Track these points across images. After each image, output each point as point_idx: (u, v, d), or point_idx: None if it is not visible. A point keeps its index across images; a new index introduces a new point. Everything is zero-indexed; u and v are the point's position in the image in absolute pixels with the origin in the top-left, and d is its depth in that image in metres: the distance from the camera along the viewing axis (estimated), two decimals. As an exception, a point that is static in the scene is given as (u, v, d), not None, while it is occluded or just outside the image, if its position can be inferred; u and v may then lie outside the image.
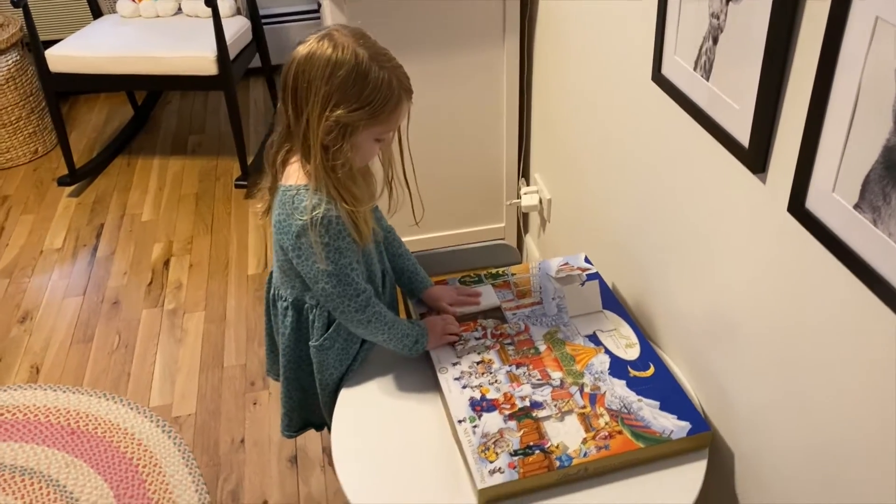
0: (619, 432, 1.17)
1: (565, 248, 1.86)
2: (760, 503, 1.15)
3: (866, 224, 0.79)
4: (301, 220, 1.14)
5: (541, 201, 2.08)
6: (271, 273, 1.33)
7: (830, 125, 0.81)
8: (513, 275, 1.52)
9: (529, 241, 2.30)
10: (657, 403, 1.22)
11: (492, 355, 1.32)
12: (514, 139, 2.12)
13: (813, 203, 0.87)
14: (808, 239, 0.90)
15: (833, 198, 0.83)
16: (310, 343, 1.30)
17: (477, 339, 1.36)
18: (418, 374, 1.33)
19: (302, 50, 1.11)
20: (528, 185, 2.20)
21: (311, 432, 1.86)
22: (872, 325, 0.82)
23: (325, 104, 1.09)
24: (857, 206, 0.80)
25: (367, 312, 1.24)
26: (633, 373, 1.28)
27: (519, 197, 2.18)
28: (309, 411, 1.43)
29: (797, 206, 0.90)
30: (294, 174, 1.18)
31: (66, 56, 2.66)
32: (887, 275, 0.77)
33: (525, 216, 2.29)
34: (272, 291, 1.34)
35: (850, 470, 0.92)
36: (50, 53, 2.64)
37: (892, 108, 0.72)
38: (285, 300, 1.29)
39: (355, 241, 1.20)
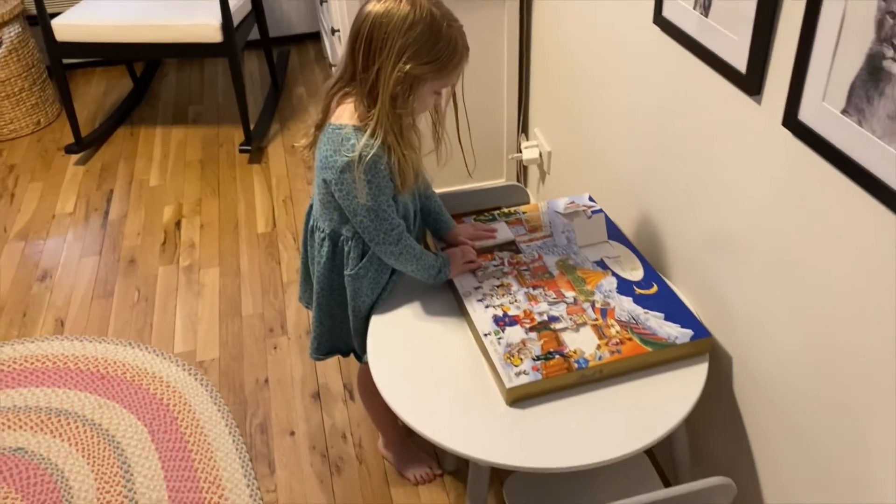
0: (629, 339, 1.30)
1: (565, 196, 1.97)
2: (755, 399, 1.29)
3: (853, 125, 0.92)
4: (347, 156, 1.25)
5: (541, 154, 2.20)
6: (310, 206, 1.44)
7: (821, 40, 0.93)
8: (523, 213, 1.64)
9: (529, 194, 2.41)
10: (662, 315, 1.35)
11: (510, 280, 1.45)
12: (514, 95, 2.24)
13: (805, 113, 1.00)
14: (801, 148, 1.03)
15: (823, 106, 0.96)
16: (345, 272, 1.41)
17: (495, 266, 1.48)
18: (442, 300, 1.46)
19: (378, 7, 1.21)
20: (527, 139, 2.32)
21: (333, 372, 1.98)
22: (862, 219, 0.94)
23: (398, 57, 1.20)
24: (844, 111, 0.93)
25: (399, 245, 1.35)
26: (638, 291, 1.41)
27: (519, 151, 2.30)
28: (337, 338, 1.54)
29: (791, 118, 1.03)
30: (347, 115, 1.29)
31: (73, 25, 2.72)
32: (873, 168, 0.90)
33: (524, 170, 2.41)
34: (310, 223, 1.45)
35: (839, 365, 1.05)
36: (56, 23, 2.71)
37: (874, 18, 0.85)
38: (323, 231, 1.40)
39: (394, 184, 1.31)
